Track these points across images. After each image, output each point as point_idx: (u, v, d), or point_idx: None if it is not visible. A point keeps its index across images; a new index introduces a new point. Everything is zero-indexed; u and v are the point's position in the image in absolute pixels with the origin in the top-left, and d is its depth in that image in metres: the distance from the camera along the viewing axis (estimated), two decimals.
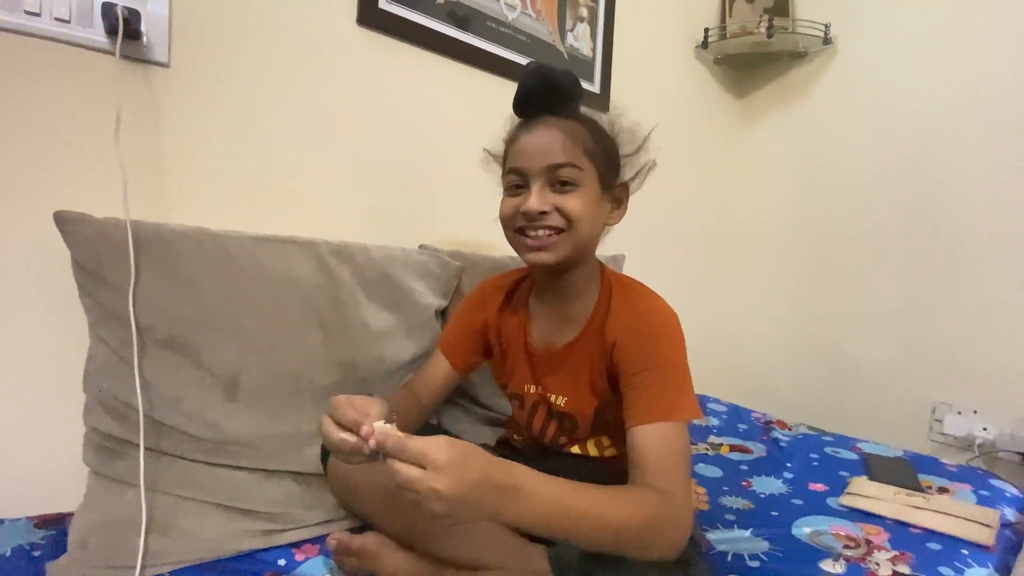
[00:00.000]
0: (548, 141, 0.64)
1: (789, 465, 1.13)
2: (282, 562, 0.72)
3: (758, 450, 1.23)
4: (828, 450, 1.22)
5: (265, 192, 0.98)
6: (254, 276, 0.81)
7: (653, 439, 0.58)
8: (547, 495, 0.49)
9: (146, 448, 0.72)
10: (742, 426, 1.40)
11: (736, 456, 1.19)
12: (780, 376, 1.89)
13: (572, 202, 0.64)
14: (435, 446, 0.45)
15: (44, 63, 0.77)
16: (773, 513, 0.92)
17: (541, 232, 0.65)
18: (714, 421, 1.43)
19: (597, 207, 0.67)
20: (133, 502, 0.70)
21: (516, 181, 0.67)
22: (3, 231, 0.76)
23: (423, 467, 0.45)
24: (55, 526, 0.74)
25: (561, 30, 1.38)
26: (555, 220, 0.64)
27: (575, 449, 0.75)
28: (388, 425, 0.50)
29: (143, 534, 0.67)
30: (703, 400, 1.58)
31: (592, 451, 0.75)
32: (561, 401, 0.72)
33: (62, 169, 0.79)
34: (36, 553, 0.69)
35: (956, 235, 1.50)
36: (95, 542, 0.67)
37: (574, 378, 0.70)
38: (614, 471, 0.64)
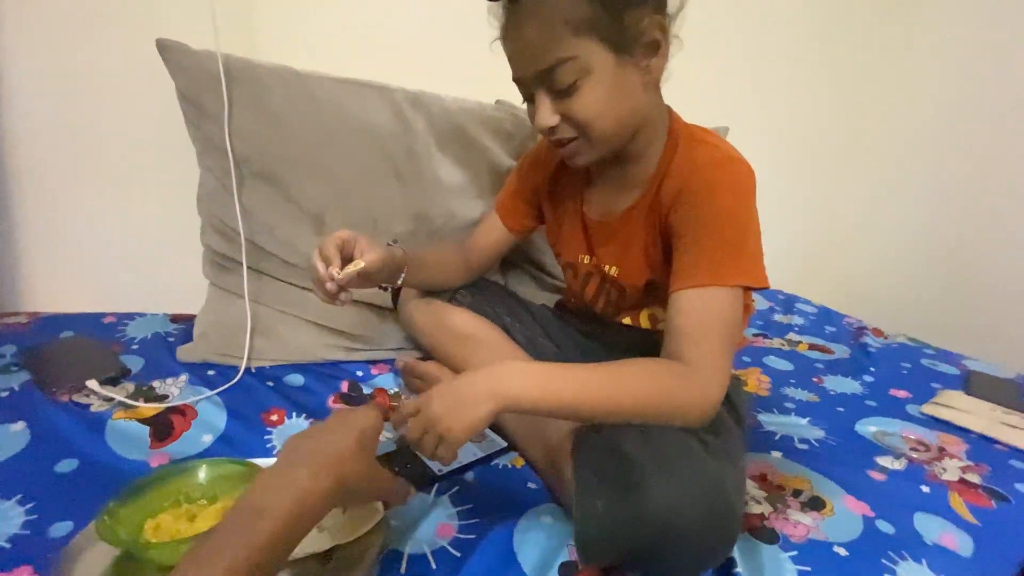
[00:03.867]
0: (523, 43, 0.53)
1: (873, 370, 1.05)
2: (360, 373, 0.83)
3: (841, 352, 1.14)
4: (925, 362, 1.11)
5: (349, 34, 0.97)
6: (335, 118, 0.83)
7: (692, 305, 0.53)
8: (538, 367, 0.50)
9: (249, 267, 0.83)
10: (830, 328, 1.30)
11: (814, 355, 1.12)
12: (897, 288, 1.68)
13: (579, 105, 0.54)
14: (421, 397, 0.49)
15: None
16: (839, 409, 0.88)
17: (565, 141, 0.58)
18: (798, 320, 1.34)
19: (618, 85, 0.54)
20: (242, 309, 0.82)
21: (522, 91, 0.58)
22: (118, 56, 0.84)
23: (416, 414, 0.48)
24: (185, 322, 0.91)
25: None
26: (567, 131, 0.56)
27: (627, 320, 0.73)
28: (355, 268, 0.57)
29: (248, 333, 0.80)
30: (790, 301, 1.47)
31: (644, 323, 0.72)
32: (614, 271, 0.69)
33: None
34: (170, 339, 0.86)
35: None
36: (213, 335, 0.81)
37: (628, 248, 0.66)
38: None
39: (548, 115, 0.55)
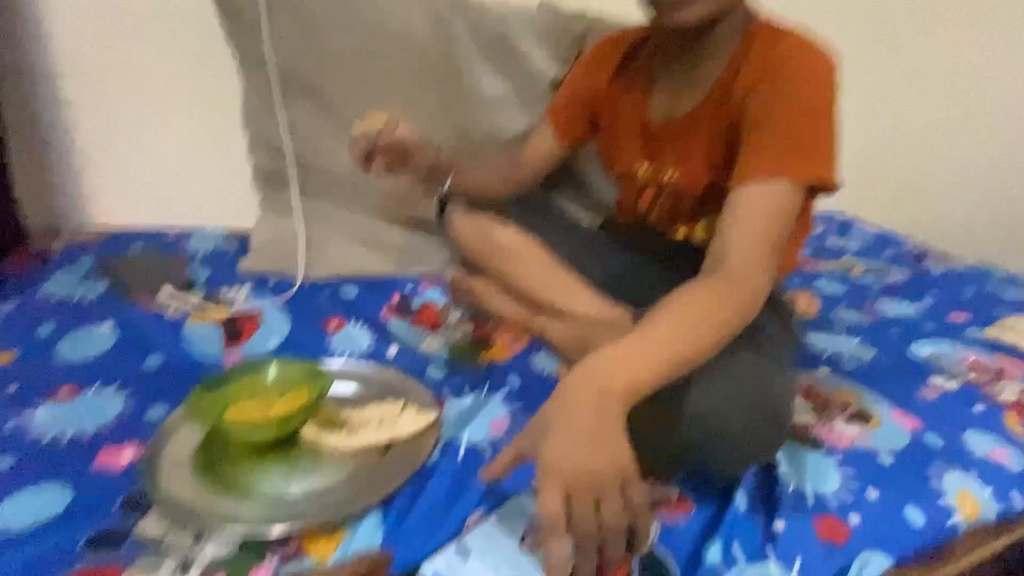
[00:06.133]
0: None
1: (934, 291, 1.00)
2: (409, 287, 0.86)
3: (897, 275, 1.09)
4: (992, 286, 1.05)
5: None
6: (374, 26, 0.80)
7: (749, 202, 0.49)
8: (609, 353, 0.41)
9: (299, 184, 0.85)
10: (888, 251, 1.24)
11: (869, 279, 1.07)
12: (968, 210, 1.55)
13: None
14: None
15: None
16: (893, 329, 0.85)
17: None
18: (854, 244, 1.27)
19: None
20: (292, 226, 0.85)
21: None
22: None
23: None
24: (242, 237, 0.94)
25: None
26: None
27: (681, 234, 0.71)
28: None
29: (301, 250, 0.83)
30: (846, 223, 1.39)
31: (700, 234, 0.70)
32: (673, 176, 0.66)
33: None
34: (230, 252, 0.90)
35: None
36: (267, 250, 0.85)
37: (690, 149, 0.63)
38: None
39: None
